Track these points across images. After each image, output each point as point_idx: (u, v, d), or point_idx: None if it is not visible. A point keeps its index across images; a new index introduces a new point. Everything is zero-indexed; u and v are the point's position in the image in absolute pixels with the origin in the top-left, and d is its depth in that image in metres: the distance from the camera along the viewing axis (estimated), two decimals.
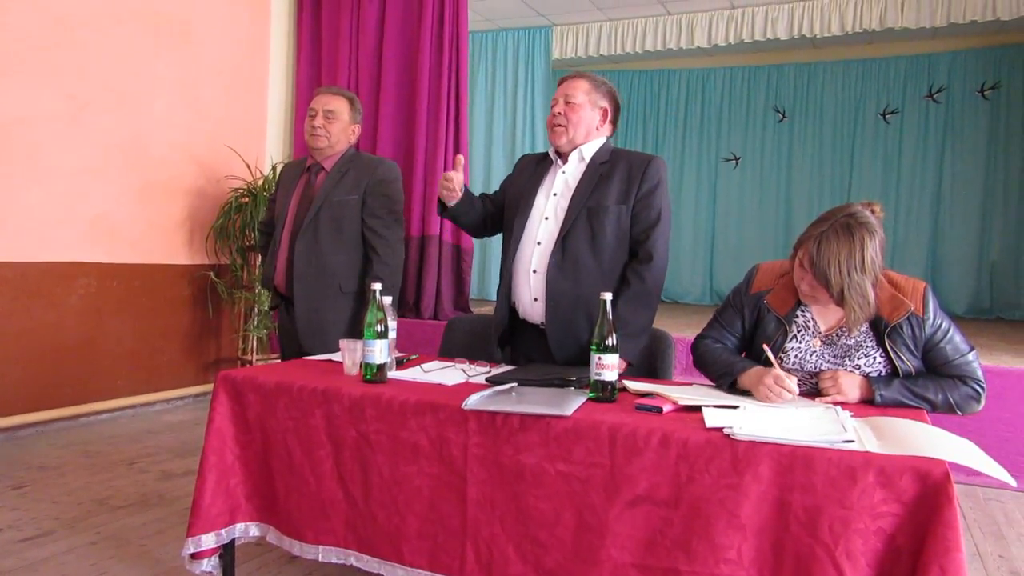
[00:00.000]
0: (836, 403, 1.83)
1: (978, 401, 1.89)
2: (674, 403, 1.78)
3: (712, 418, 1.65)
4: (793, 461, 1.47)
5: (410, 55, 5.27)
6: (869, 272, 1.82)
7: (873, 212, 1.92)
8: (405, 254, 3.34)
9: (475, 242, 5.47)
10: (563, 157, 2.44)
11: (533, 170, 2.53)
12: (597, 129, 2.43)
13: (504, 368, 2.26)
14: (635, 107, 8.72)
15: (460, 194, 2.46)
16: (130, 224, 4.50)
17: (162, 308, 4.74)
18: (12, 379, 3.94)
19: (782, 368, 1.91)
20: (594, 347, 1.81)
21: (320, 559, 1.99)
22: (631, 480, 1.60)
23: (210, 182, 4.98)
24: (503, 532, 1.74)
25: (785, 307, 2.02)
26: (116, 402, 4.47)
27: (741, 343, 2.14)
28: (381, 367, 2.03)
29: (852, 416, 1.70)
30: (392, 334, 2.20)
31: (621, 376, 1.95)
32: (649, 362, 2.43)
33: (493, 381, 2.00)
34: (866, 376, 1.91)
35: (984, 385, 1.91)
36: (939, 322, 1.91)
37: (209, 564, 2.08)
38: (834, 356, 1.96)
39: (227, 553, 2.14)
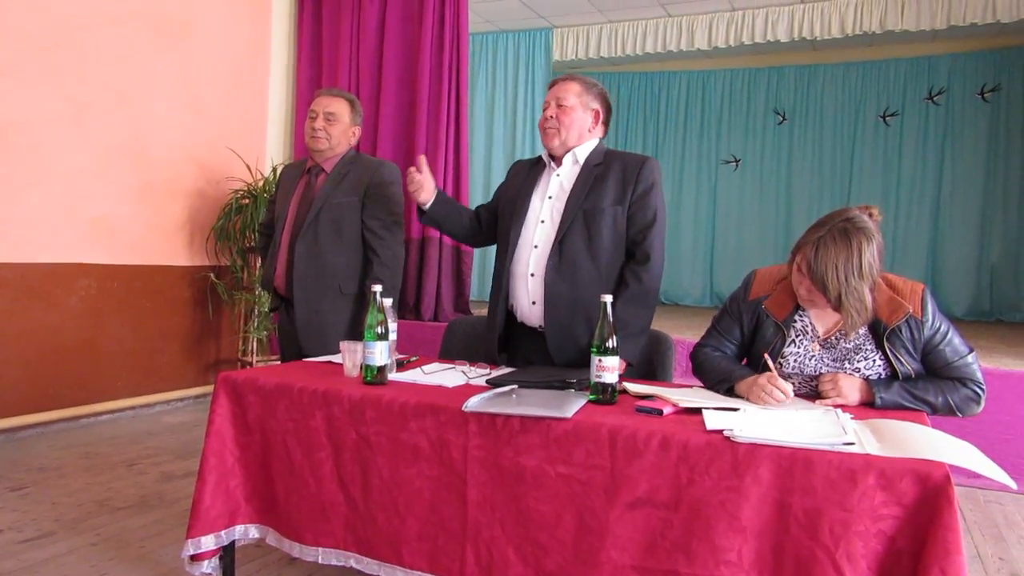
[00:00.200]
0: (836, 405, 1.83)
1: (978, 403, 1.89)
2: (674, 405, 1.78)
3: (712, 420, 1.65)
4: (793, 463, 1.47)
5: (411, 56, 5.28)
6: (866, 277, 1.82)
7: (871, 216, 1.92)
8: (405, 256, 3.34)
9: None
10: (557, 160, 2.44)
11: (526, 174, 2.53)
12: (590, 131, 2.43)
13: (504, 370, 2.26)
14: (635, 109, 8.73)
15: (431, 192, 2.51)
16: (130, 225, 4.50)
17: (162, 309, 4.74)
18: (12, 380, 3.94)
19: (780, 374, 1.92)
20: (594, 349, 1.81)
21: (320, 561, 1.98)
22: (631, 482, 1.60)
23: (210, 183, 4.98)
24: (503, 534, 1.74)
25: (783, 312, 2.02)
26: (116, 403, 4.47)
27: (740, 350, 2.14)
28: (381, 369, 2.03)
29: (852, 418, 1.70)
30: (392, 336, 2.20)
31: (621, 378, 1.95)
32: (649, 364, 2.43)
33: (493, 383, 2.00)
34: (866, 379, 1.91)
35: (984, 387, 1.91)
36: (938, 324, 1.91)
37: (209, 566, 2.08)
38: (833, 360, 1.96)
39: (227, 555, 2.14)
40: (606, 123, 2.47)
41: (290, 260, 2.96)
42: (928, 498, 1.37)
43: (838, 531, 1.42)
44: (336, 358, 2.42)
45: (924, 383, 1.88)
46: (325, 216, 2.93)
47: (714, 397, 1.91)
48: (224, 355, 5.20)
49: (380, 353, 2.02)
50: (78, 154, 4.19)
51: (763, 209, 8.18)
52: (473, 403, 1.75)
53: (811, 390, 1.99)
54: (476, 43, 7.32)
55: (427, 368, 2.27)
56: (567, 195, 2.37)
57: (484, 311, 2.58)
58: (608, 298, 1.83)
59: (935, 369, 1.92)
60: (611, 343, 1.79)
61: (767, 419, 1.67)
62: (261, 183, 4.99)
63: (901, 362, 1.90)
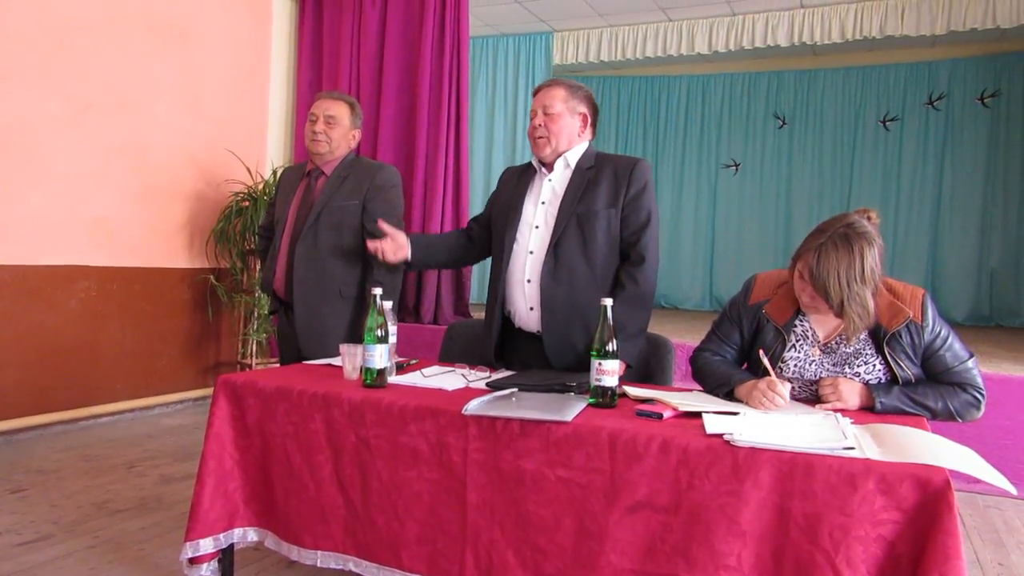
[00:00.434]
0: (836, 410, 1.83)
1: (978, 408, 1.89)
2: (674, 409, 1.78)
3: (712, 424, 1.65)
4: (793, 468, 1.47)
5: (411, 60, 5.28)
6: (869, 282, 1.82)
7: (869, 219, 1.92)
8: None
9: None
10: (548, 165, 2.44)
11: (517, 181, 2.53)
12: (579, 135, 2.42)
13: (504, 373, 2.26)
14: (635, 113, 8.74)
15: (406, 246, 2.51)
16: (130, 227, 4.51)
17: (162, 312, 4.74)
18: (11, 382, 3.94)
19: (780, 378, 1.91)
20: (594, 353, 1.81)
21: (319, 564, 1.98)
22: (631, 486, 1.60)
23: (210, 186, 4.98)
24: (503, 538, 1.74)
25: (784, 317, 2.02)
26: (115, 406, 4.47)
27: (740, 355, 2.14)
28: (381, 372, 2.03)
29: (852, 423, 1.70)
30: (392, 339, 2.20)
31: (621, 381, 1.95)
32: (649, 368, 2.43)
33: (493, 386, 2.00)
34: (866, 383, 1.91)
35: (984, 392, 1.91)
36: (938, 329, 1.91)
37: (207, 569, 2.07)
38: (833, 364, 1.96)
39: (226, 558, 2.14)
40: (594, 125, 2.47)
41: (290, 263, 2.96)
42: (928, 503, 1.37)
43: (838, 536, 1.42)
44: (336, 361, 2.42)
45: (924, 388, 1.88)
46: (325, 219, 2.93)
47: (714, 401, 1.91)
48: (224, 358, 5.20)
49: (380, 356, 2.02)
50: (78, 156, 4.19)
51: (763, 213, 8.19)
52: (473, 406, 1.75)
53: (811, 394, 1.99)
54: (477, 47, 7.33)
55: (427, 371, 2.27)
56: (560, 200, 2.37)
57: (484, 314, 2.58)
58: (608, 301, 1.83)
59: (935, 374, 1.92)
60: (611, 346, 1.79)
61: (767, 423, 1.67)
62: (261, 186, 4.99)
63: (901, 367, 1.90)
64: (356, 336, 2.63)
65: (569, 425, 1.68)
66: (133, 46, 4.45)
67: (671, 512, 1.56)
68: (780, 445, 1.50)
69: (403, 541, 1.86)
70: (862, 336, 1.94)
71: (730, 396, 1.95)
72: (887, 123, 7.68)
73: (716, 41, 6.54)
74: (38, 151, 4.00)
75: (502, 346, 2.49)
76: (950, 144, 7.42)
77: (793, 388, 1.98)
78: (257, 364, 5.02)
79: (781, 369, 2.01)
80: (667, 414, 1.75)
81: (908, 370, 1.90)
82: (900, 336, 1.89)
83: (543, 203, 2.41)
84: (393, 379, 2.12)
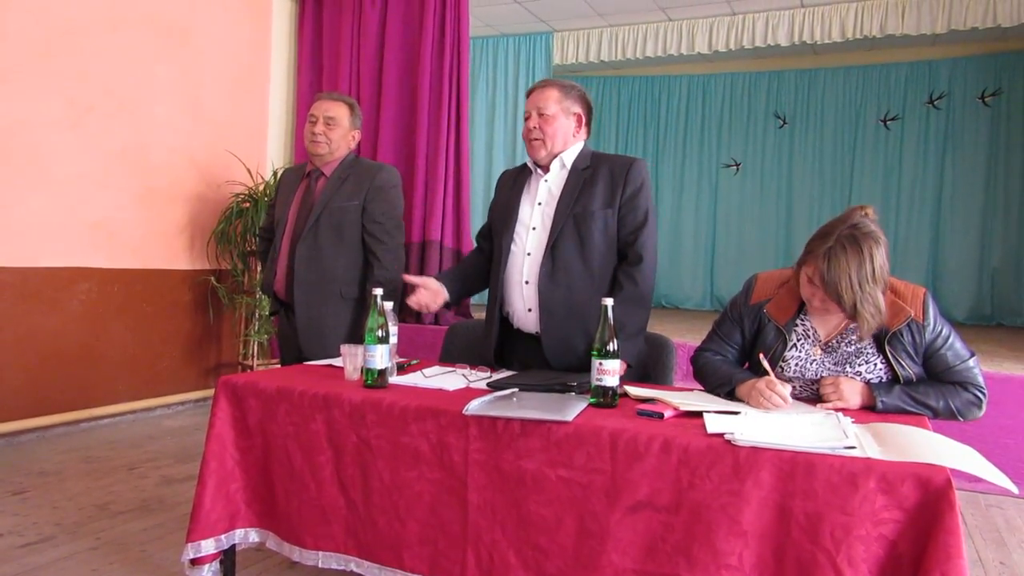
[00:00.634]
0: (837, 409, 1.83)
1: (979, 407, 1.89)
2: (675, 409, 1.78)
3: (713, 424, 1.65)
4: (794, 467, 1.46)
5: (411, 60, 5.28)
6: (879, 281, 1.82)
7: (867, 216, 1.92)
8: (406, 259, 3.34)
9: None
10: (543, 167, 2.44)
11: (513, 183, 2.53)
12: (574, 135, 2.42)
13: (505, 373, 2.26)
14: (636, 113, 8.74)
15: (442, 291, 2.49)
16: (131, 229, 4.51)
17: (163, 313, 4.74)
18: (13, 384, 3.94)
19: (781, 377, 1.91)
20: (595, 352, 1.81)
21: (320, 565, 1.98)
22: (632, 486, 1.60)
23: (211, 187, 4.99)
24: (504, 538, 1.74)
25: (785, 316, 2.02)
26: (117, 407, 4.47)
27: (741, 354, 2.14)
28: (382, 372, 2.03)
29: (853, 422, 1.70)
30: (393, 339, 2.20)
31: (622, 381, 1.95)
32: (649, 368, 2.43)
33: (494, 386, 2.00)
34: (867, 382, 1.91)
35: (985, 391, 1.91)
36: (939, 328, 1.91)
37: (209, 570, 2.08)
38: (834, 363, 1.96)
39: (227, 559, 2.14)
40: (589, 124, 2.46)
41: (290, 264, 2.96)
42: (929, 502, 1.37)
43: (839, 535, 1.41)
44: (337, 362, 2.43)
45: (925, 387, 1.88)
46: (325, 220, 2.93)
47: (715, 401, 1.91)
48: (225, 359, 5.20)
49: (381, 356, 2.02)
50: (79, 158, 4.20)
51: (764, 213, 8.19)
52: (474, 406, 1.75)
53: (812, 394, 1.99)
54: (477, 47, 7.33)
55: (428, 371, 2.27)
56: (556, 201, 2.37)
57: (484, 315, 2.58)
58: (609, 301, 1.83)
59: (936, 373, 1.92)
60: (611, 346, 1.79)
61: (768, 423, 1.67)
62: (262, 187, 4.99)
63: (902, 366, 1.90)
64: (357, 337, 2.63)
65: (570, 425, 1.68)
66: (133, 48, 4.45)
67: (672, 512, 1.56)
68: (781, 444, 1.50)
69: (404, 541, 1.86)
70: None
71: (731, 396, 1.94)
72: (888, 122, 7.67)
73: (716, 41, 6.54)
74: (39, 153, 4.01)
75: (501, 347, 2.49)
76: (951, 143, 7.41)
77: (794, 387, 1.98)
78: (258, 365, 5.02)
79: (782, 368, 2.01)
80: (668, 414, 1.75)
81: (909, 369, 1.90)
82: (901, 335, 1.89)
83: (539, 204, 2.41)
84: (394, 379, 2.12)
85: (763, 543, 1.49)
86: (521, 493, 1.72)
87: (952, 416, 1.87)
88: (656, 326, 2.44)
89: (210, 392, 4.92)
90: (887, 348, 1.90)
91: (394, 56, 5.29)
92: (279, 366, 3.21)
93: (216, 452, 2.08)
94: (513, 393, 1.90)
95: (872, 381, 1.91)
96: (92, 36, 4.23)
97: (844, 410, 1.83)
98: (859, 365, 1.93)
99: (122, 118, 4.41)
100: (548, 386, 1.98)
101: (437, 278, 2.54)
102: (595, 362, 1.81)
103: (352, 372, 2.15)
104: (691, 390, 2.09)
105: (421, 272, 5.16)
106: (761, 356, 1.91)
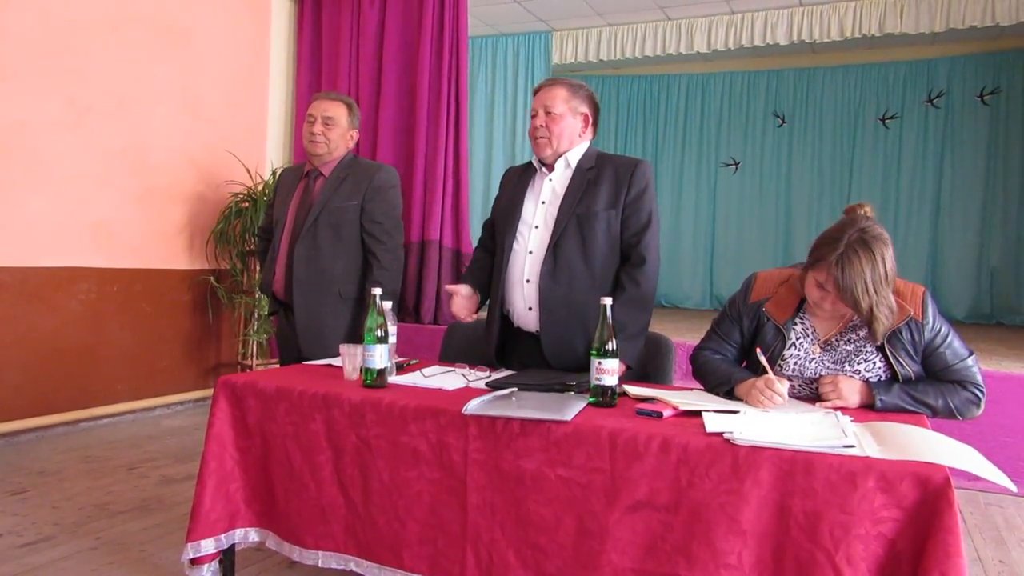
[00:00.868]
0: (836, 408, 1.83)
1: (978, 406, 1.89)
2: (674, 408, 1.78)
3: (712, 423, 1.65)
4: (794, 466, 1.47)
5: (410, 60, 5.28)
6: (891, 282, 1.84)
7: (866, 214, 1.92)
8: (405, 259, 3.34)
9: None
10: (548, 165, 2.44)
11: (518, 181, 2.53)
12: (580, 135, 2.42)
13: (504, 373, 2.26)
14: (635, 112, 8.74)
15: (475, 297, 2.54)
16: (130, 229, 4.51)
17: (162, 313, 4.74)
18: (12, 384, 3.94)
19: (779, 375, 1.91)
20: (594, 352, 1.81)
21: (320, 565, 1.98)
22: (631, 485, 1.60)
23: (210, 187, 4.98)
24: (503, 537, 1.74)
25: (784, 315, 2.02)
26: (116, 407, 4.47)
27: (740, 353, 2.14)
28: (381, 372, 2.03)
29: (852, 421, 1.70)
30: (392, 339, 2.20)
31: (621, 380, 1.95)
32: (648, 367, 2.43)
33: (493, 386, 2.00)
34: (866, 381, 1.91)
35: (984, 390, 1.91)
36: (938, 327, 1.91)
37: (209, 570, 2.08)
38: (833, 362, 1.96)
39: (227, 558, 2.14)
40: (595, 124, 2.46)
41: (289, 264, 2.96)
42: (928, 501, 1.37)
43: (838, 534, 1.42)
44: (336, 361, 2.43)
45: (924, 386, 1.88)
46: (324, 220, 2.93)
47: (714, 400, 1.91)
48: (224, 358, 5.20)
49: (380, 356, 2.02)
50: (78, 158, 4.19)
51: (763, 212, 8.19)
52: (473, 406, 1.75)
53: (811, 393, 1.99)
54: (475, 47, 7.33)
55: (427, 371, 2.27)
56: (560, 200, 2.37)
57: (484, 315, 2.58)
58: (608, 301, 1.83)
59: (935, 372, 1.92)
60: (611, 346, 1.79)
61: (767, 421, 1.67)
62: (261, 187, 4.99)
63: (901, 364, 1.90)
64: (356, 336, 2.63)
65: (569, 424, 1.68)
66: (133, 48, 4.45)
67: (671, 511, 1.56)
68: (780, 443, 1.50)
69: (404, 541, 1.86)
70: (862, 333, 1.94)
71: (730, 395, 1.95)
72: (886, 121, 7.68)
73: (715, 40, 6.53)
74: (38, 153, 4.00)
75: (502, 346, 2.49)
76: (950, 142, 7.42)
77: (793, 386, 1.98)
78: (257, 365, 5.02)
79: (781, 367, 2.01)
80: (667, 413, 1.75)
81: (908, 368, 1.90)
82: (900, 334, 1.89)
83: (543, 203, 2.41)
84: (393, 379, 2.12)
85: (762, 542, 1.49)
86: (520, 493, 1.72)
87: (951, 415, 1.88)
88: (655, 325, 2.44)
89: (209, 392, 4.92)
90: (886, 347, 1.90)
91: (393, 56, 5.29)
92: (278, 366, 3.21)
93: (215, 452, 2.09)
94: (512, 393, 1.90)
95: (871, 380, 1.91)
96: (92, 36, 4.22)
97: (843, 409, 1.83)
98: (858, 364, 1.93)
99: (121, 118, 4.40)
100: (547, 386, 1.98)
101: (463, 280, 2.59)
102: (594, 361, 1.81)
103: (351, 372, 2.15)
104: (690, 389, 2.09)
105: (420, 273, 5.16)
106: (758, 351, 1.91)
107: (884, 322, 1.84)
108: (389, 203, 2.98)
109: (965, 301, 7.28)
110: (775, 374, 1.88)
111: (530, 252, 2.38)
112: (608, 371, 1.81)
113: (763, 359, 1.89)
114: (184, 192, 4.83)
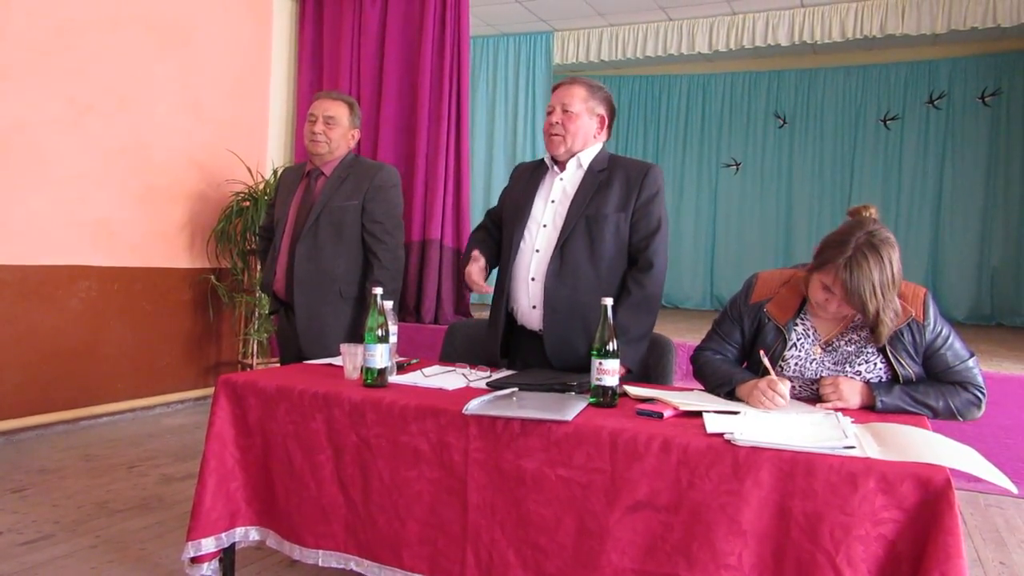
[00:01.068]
0: (837, 409, 1.83)
1: (979, 407, 1.89)
2: (675, 408, 1.78)
3: (713, 424, 1.65)
4: (794, 467, 1.47)
5: (411, 60, 5.28)
6: (897, 285, 1.83)
7: (870, 216, 1.92)
8: (406, 259, 3.34)
9: None
10: (560, 164, 2.43)
11: (529, 178, 2.52)
12: (595, 136, 2.41)
13: (505, 373, 2.26)
14: (636, 112, 8.74)
15: (486, 267, 2.50)
16: (131, 228, 4.51)
17: (163, 312, 4.74)
18: (12, 382, 3.94)
19: (779, 376, 1.91)
20: (595, 352, 1.81)
21: (320, 564, 1.98)
22: (632, 485, 1.60)
23: (211, 186, 4.98)
24: (504, 537, 1.74)
25: (785, 316, 2.02)
26: (116, 405, 4.47)
27: (741, 353, 2.14)
28: (382, 371, 2.03)
29: (853, 422, 1.70)
30: (393, 339, 2.20)
31: (621, 381, 1.95)
32: (649, 367, 2.43)
33: (494, 386, 2.00)
34: (867, 382, 1.91)
35: (985, 391, 1.91)
36: (939, 328, 1.91)
37: (209, 568, 2.08)
38: (834, 363, 1.96)
39: (227, 557, 2.14)
40: (610, 127, 2.46)
41: (290, 264, 2.96)
42: (929, 502, 1.37)
43: (839, 535, 1.42)
44: (336, 361, 2.43)
45: (925, 387, 1.88)
46: (325, 220, 2.93)
47: (715, 400, 1.91)
48: (224, 357, 5.20)
49: (380, 356, 2.02)
50: (79, 157, 4.19)
51: (763, 212, 8.19)
52: (474, 406, 1.75)
53: (812, 393, 1.99)
54: (477, 46, 7.33)
55: (427, 371, 2.27)
56: (570, 200, 2.36)
57: (485, 314, 2.58)
58: (608, 301, 1.83)
59: (936, 373, 1.92)
60: (611, 346, 1.79)
61: (768, 422, 1.67)
62: (262, 186, 4.99)
63: (902, 365, 1.90)
64: (357, 336, 2.63)
65: (570, 424, 1.68)
66: (134, 47, 4.45)
67: (672, 511, 1.56)
68: (781, 444, 1.50)
69: (404, 541, 1.86)
70: (863, 334, 1.94)
71: (731, 395, 1.95)
72: (888, 122, 7.67)
73: (716, 40, 6.54)
74: (39, 152, 4.00)
75: (505, 343, 2.49)
76: (951, 143, 7.42)
77: (794, 387, 1.98)
78: (258, 364, 5.02)
79: (782, 368, 2.01)
80: (668, 413, 1.75)
81: (909, 369, 1.90)
82: (902, 335, 1.89)
83: (553, 202, 2.41)
84: (394, 379, 2.13)
85: (762, 543, 1.49)
86: (521, 492, 1.72)
87: (952, 416, 1.87)
88: (656, 326, 2.44)
89: (210, 391, 4.92)
90: (887, 348, 1.90)
91: (394, 55, 5.29)
92: (279, 365, 3.21)
93: (216, 451, 2.09)
94: (513, 392, 1.90)
95: (872, 381, 1.91)
96: (92, 35, 4.22)
97: (844, 410, 1.83)
98: (859, 365, 1.93)
99: (122, 117, 4.40)
100: (548, 386, 1.98)
101: (475, 251, 2.53)
102: (595, 362, 1.81)
103: (352, 371, 2.15)
104: (691, 390, 2.09)
105: (421, 273, 5.16)
106: (762, 353, 1.91)
107: (890, 325, 1.85)
108: (390, 203, 2.98)
109: (966, 302, 7.28)
110: (776, 375, 1.88)
111: (537, 250, 2.38)
112: (609, 371, 1.81)
113: (766, 361, 1.89)
114: (185, 191, 4.83)
